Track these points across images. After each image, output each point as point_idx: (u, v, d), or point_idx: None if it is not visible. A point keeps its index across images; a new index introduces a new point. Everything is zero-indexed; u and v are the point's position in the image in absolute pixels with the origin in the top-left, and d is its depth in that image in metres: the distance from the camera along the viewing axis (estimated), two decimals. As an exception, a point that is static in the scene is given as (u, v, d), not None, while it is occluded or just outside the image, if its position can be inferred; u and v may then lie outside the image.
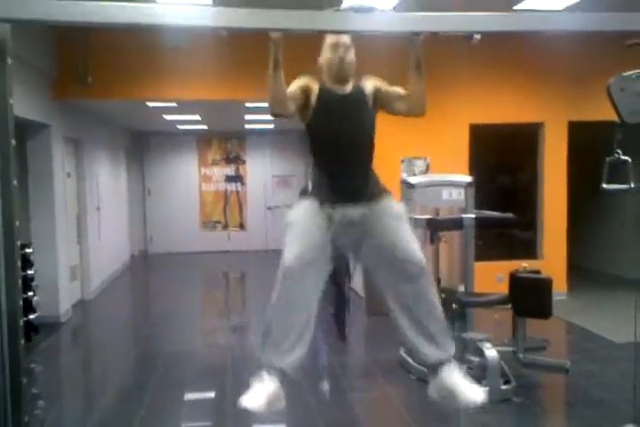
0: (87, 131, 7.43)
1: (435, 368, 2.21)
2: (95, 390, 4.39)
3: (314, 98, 2.33)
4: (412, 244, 2.29)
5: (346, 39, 2.37)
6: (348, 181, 2.33)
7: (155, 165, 11.07)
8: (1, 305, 2.11)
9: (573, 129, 6.60)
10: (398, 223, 2.32)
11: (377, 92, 2.40)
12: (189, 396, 3.95)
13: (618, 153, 2.46)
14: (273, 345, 2.23)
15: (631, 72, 2.40)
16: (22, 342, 2.19)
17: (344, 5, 2.12)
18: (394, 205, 2.38)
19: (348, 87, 2.38)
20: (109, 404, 3.93)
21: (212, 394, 4.02)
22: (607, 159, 2.47)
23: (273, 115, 2.29)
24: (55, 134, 6.01)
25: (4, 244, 2.12)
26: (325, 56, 2.39)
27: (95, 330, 6.22)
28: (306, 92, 2.33)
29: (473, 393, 2.16)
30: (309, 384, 4.14)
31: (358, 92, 2.38)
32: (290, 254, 2.21)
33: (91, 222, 7.34)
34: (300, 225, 2.30)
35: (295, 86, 2.30)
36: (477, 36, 2.24)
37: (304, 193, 2.42)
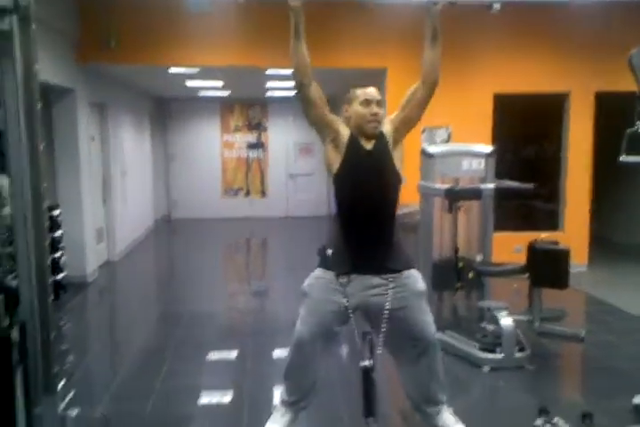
0: (111, 96, 7.48)
1: (429, 416, 2.50)
2: (120, 347, 4.56)
3: (343, 144, 2.35)
4: (429, 322, 2.41)
5: (377, 94, 2.39)
6: (368, 252, 2.35)
7: (177, 131, 11.14)
8: (31, 264, 2.21)
9: (601, 99, 6.46)
10: (418, 300, 2.40)
11: (395, 123, 2.42)
12: (209, 354, 4.07)
13: (637, 125, 2.43)
14: (289, 391, 2.51)
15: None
16: (51, 299, 2.30)
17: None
18: (416, 281, 2.42)
19: (374, 140, 2.38)
20: (133, 360, 4.09)
21: (231, 353, 4.14)
22: (627, 131, 2.45)
23: (295, 83, 2.30)
24: (80, 99, 6.07)
25: (33, 206, 2.20)
26: (356, 110, 2.37)
27: (120, 290, 6.42)
28: (335, 122, 2.37)
29: None
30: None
31: (382, 144, 2.38)
32: (302, 328, 2.39)
33: (116, 186, 7.46)
34: (313, 295, 2.41)
35: (325, 106, 2.34)
36: (497, 6, 2.22)
37: (322, 258, 2.44)
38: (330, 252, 2.40)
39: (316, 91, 2.30)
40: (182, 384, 3.54)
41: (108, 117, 7.27)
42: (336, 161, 2.36)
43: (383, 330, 2.36)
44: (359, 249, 2.35)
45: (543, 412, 2.98)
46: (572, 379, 3.97)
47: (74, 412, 2.31)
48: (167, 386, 3.49)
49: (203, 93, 10.01)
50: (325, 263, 2.41)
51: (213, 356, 4.07)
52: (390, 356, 2.48)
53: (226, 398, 3.39)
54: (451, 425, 2.48)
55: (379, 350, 2.39)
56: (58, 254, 5.38)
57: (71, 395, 2.37)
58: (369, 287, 2.35)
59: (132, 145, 8.68)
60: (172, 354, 4.02)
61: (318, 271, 2.43)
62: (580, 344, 4.05)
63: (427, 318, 2.40)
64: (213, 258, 8.13)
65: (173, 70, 6.90)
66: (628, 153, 2.55)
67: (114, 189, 7.38)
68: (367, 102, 2.35)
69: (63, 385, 2.33)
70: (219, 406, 3.31)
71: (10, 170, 2.10)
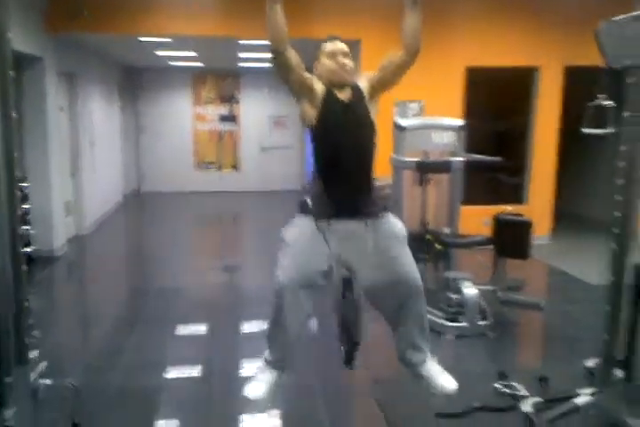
0: (81, 65, 7.32)
1: (415, 365, 2.55)
2: (89, 321, 4.56)
3: (319, 98, 2.38)
4: (411, 265, 2.43)
5: (343, 46, 2.41)
6: (347, 198, 2.38)
7: (148, 102, 10.95)
8: (3, 235, 2.22)
9: (571, 74, 6.56)
10: (398, 244, 2.43)
11: (372, 82, 2.44)
12: (178, 328, 4.11)
13: (599, 97, 2.51)
14: (271, 349, 2.54)
15: (621, 16, 2.42)
16: (24, 270, 2.32)
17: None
18: (395, 225, 2.46)
19: (349, 92, 2.42)
20: (101, 334, 4.11)
21: (200, 327, 4.17)
22: (588, 104, 2.53)
23: (271, 51, 2.29)
24: (49, 68, 5.93)
25: (6, 176, 2.20)
26: (324, 63, 2.41)
27: (89, 264, 6.39)
28: (310, 81, 2.37)
29: (447, 383, 2.52)
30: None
31: (358, 97, 2.41)
32: (283, 277, 2.36)
33: (85, 158, 7.36)
34: (293, 244, 2.40)
35: (302, 70, 2.33)
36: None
37: (302, 208, 2.46)
38: (309, 200, 2.43)
39: (292, 57, 2.30)
40: (151, 357, 3.58)
41: (78, 87, 7.13)
42: (312, 113, 2.39)
43: (364, 274, 2.41)
44: (337, 196, 2.39)
45: (502, 376, 3.13)
46: (531, 346, 4.15)
47: (45, 382, 2.35)
48: (136, 359, 3.53)
49: (174, 63, 9.83)
50: (305, 210, 2.44)
51: (182, 330, 4.10)
52: (374, 304, 2.51)
53: (195, 370, 3.44)
54: (437, 373, 2.54)
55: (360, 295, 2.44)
56: (25, 228, 5.31)
57: (43, 366, 2.40)
58: (348, 232, 2.37)
59: (102, 116, 8.53)
60: (141, 328, 4.05)
61: (298, 218, 2.46)
62: (540, 313, 4.22)
63: (409, 261, 2.43)
64: (184, 233, 8.12)
65: (144, 39, 6.77)
66: (589, 125, 2.65)
67: (82, 162, 7.28)
68: (333, 54, 2.40)
69: (35, 356, 2.36)
70: (188, 379, 3.34)
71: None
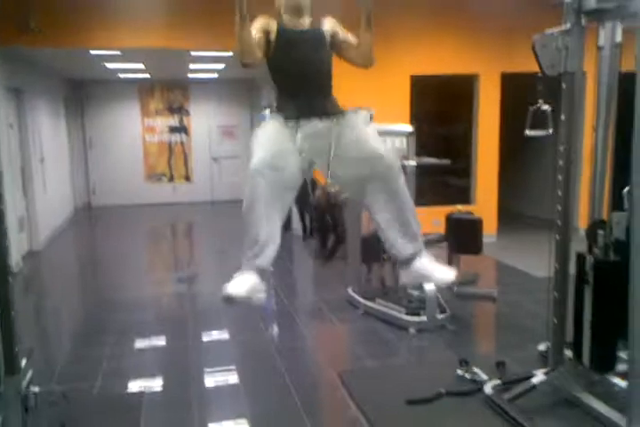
0: (27, 80, 7.23)
1: (408, 259, 2.47)
2: (50, 335, 4.54)
3: (273, 35, 2.43)
4: (379, 145, 2.44)
5: None
6: (309, 100, 2.44)
7: (96, 115, 10.83)
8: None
9: (507, 80, 6.97)
10: (363, 130, 2.46)
11: (334, 35, 2.53)
12: (139, 340, 4.14)
13: (539, 102, 2.79)
14: (247, 245, 2.41)
15: (552, 30, 2.70)
16: (10, 281, 2.38)
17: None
18: (358, 116, 2.51)
19: (306, 24, 2.49)
20: (67, 346, 4.12)
21: (161, 338, 4.20)
22: (530, 108, 2.80)
23: (243, 65, 2.39)
24: (-4, 83, 5.88)
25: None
26: None
27: (46, 279, 6.30)
28: (265, 30, 2.42)
29: (445, 273, 2.47)
30: (265, 321, 4.49)
31: (316, 30, 2.50)
32: (254, 159, 2.34)
33: (35, 175, 7.26)
34: (265, 135, 2.43)
35: (255, 30, 2.37)
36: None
37: (270, 111, 2.50)
38: (275, 105, 2.50)
39: (261, 52, 2.39)
40: (123, 366, 3.63)
41: (25, 103, 7.04)
42: (270, 49, 2.43)
43: (339, 167, 2.41)
44: (301, 97, 2.44)
45: (463, 363, 3.36)
46: (487, 334, 4.42)
47: (35, 389, 2.40)
48: (108, 368, 3.58)
49: (122, 75, 9.79)
50: (274, 112, 2.49)
51: (142, 341, 4.12)
52: (358, 200, 2.52)
53: (159, 378, 3.48)
54: (434, 266, 2.48)
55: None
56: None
57: (31, 374, 2.45)
58: (316, 132, 2.43)
59: (50, 131, 8.42)
60: (104, 339, 4.08)
61: (268, 120, 2.51)
62: (493, 304, 4.50)
63: (377, 144, 2.45)
64: (138, 245, 8.10)
65: (94, 52, 6.76)
66: (532, 128, 2.91)
67: (34, 177, 7.18)
68: None
69: (24, 365, 2.41)
70: (163, 388, 3.39)
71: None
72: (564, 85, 2.75)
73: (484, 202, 7.09)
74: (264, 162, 2.33)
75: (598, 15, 2.65)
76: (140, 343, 4.06)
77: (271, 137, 2.42)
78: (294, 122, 2.42)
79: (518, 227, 7.83)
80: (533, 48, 2.67)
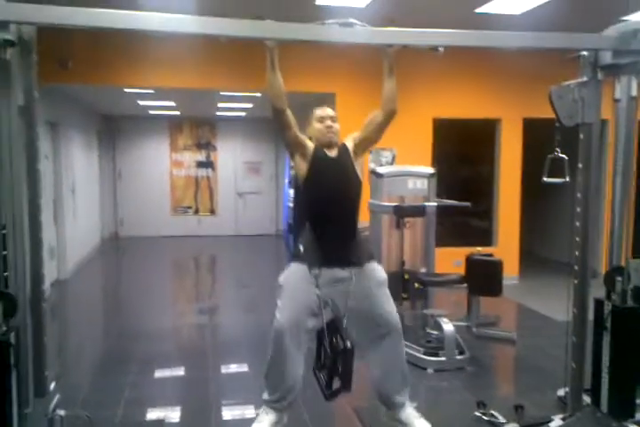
0: (63, 114, 7.56)
1: (394, 407, 2.81)
2: (74, 363, 4.62)
3: (309, 155, 2.70)
4: (391, 308, 2.73)
5: (331, 112, 2.77)
6: (335, 247, 2.67)
7: (126, 149, 11.19)
8: (25, 274, 2.42)
9: (530, 126, 7.09)
10: (380, 289, 2.73)
11: (356, 141, 2.80)
12: (163, 370, 4.22)
13: (557, 151, 2.89)
14: (270, 389, 2.72)
15: (568, 82, 2.82)
16: (44, 305, 2.51)
17: (329, 20, 2.46)
18: (377, 272, 2.76)
19: (336, 150, 2.76)
20: (89, 375, 4.19)
21: (181, 369, 4.27)
22: (548, 156, 2.90)
23: (272, 109, 2.61)
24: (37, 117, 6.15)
25: (30, 218, 2.42)
26: (314, 126, 2.77)
27: (73, 308, 6.44)
28: (304, 140, 2.71)
29: (423, 426, 2.80)
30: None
31: (345, 154, 2.75)
32: (281, 317, 2.62)
33: (66, 204, 7.51)
34: (289, 288, 2.68)
35: (297, 128, 2.66)
36: (441, 49, 2.62)
37: (295, 255, 2.76)
38: (302, 248, 2.71)
39: (290, 115, 2.64)
40: (144, 395, 3.69)
41: (60, 136, 7.35)
42: (304, 168, 2.70)
43: (347, 319, 2.64)
44: (327, 245, 2.67)
45: (481, 405, 3.36)
46: (506, 377, 4.40)
47: (61, 412, 2.50)
48: (131, 396, 3.65)
49: (152, 112, 10.16)
50: (298, 258, 2.71)
51: (166, 370, 4.20)
52: (359, 346, 2.71)
53: (179, 410, 3.54)
54: (414, 418, 2.80)
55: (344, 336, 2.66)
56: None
57: (58, 398, 2.54)
58: (336, 280, 2.65)
59: (82, 163, 8.73)
60: (129, 368, 4.16)
61: (293, 265, 2.72)
62: (513, 347, 4.49)
63: (389, 306, 2.72)
64: (162, 276, 8.23)
65: (128, 90, 7.08)
66: (549, 175, 3.00)
67: (65, 207, 7.42)
68: (322, 119, 2.76)
69: (53, 388, 2.51)
70: (182, 418, 3.44)
71: (4, 188, 2.31)
72: (581, 135, 2.85)
73: (506, 244, 7.12)
74: (288, 321, 2.60)
75: (614, 70, 2.76)
76: (161, 373, 4.14)
77: (294, 290, 2.66)
78: (317, 269, 2.64)
79: (541, 270, 7.81)
80: (550, 99, 2.79)
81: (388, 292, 2.77)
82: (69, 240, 7.52)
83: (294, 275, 2.70)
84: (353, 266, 2.68)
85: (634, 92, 2.78)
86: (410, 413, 2.82)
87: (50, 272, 6.76)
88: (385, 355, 2.74)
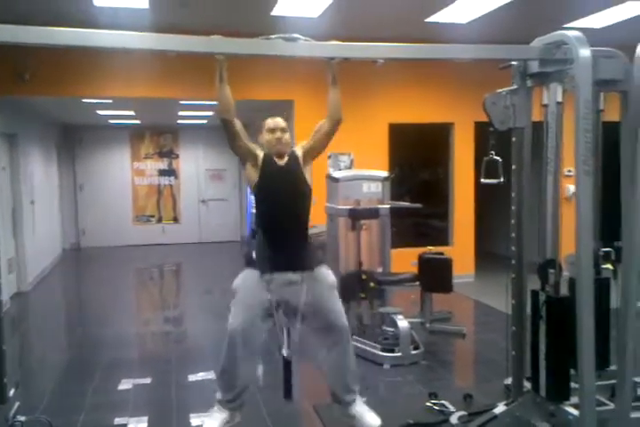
0: (21, 125, 7.53)
1: (346, 404, 2.96)
2: (35, 372, 4.64)
3: (259, 163, 2.83)
4: (341, 310, 2.89)
5: (282, 123, 2.90)
6: (286, 252, 2.80)
7: (87, 158, 11.12)
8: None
9: (481, 129, 7.35)
10: (330, 292, 2.89)
11: (305, 148, 2.93)
12: (126, 376, 4.26)
13: (491, 153, 3.09)
14: (223, 389, 2.86)
15: (500, 90, 3.03)
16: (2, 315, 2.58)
17: (273, 35, 2.61)
18: (327, 276, 2.92)
19: (285, 158, 2.88)
20: (50, 383, 4.19)
21: (145, 376, 4.31)
22: (484, 159, 3.10)
23: (221, 120, 2.75)
24: (-8, 130, 6.15)
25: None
26: (265, 137, 2.90)
27: (33, 320, 6.41)
28: (254, 149, 2.84)
29: (373, 419, 2.96)
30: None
31: (294, 162, 2.88)
32: (234, 321, 2.77)
33: (26, 216, 7.46)
34: (242, 292, 2.82)
35: (246, 138, 2.80)
36: (381, 61, 2.79)
37: (248, 261, 2.90)
38: (254, 254, 2.84)
39: (238, 126, 2.78)
40: (106, 402, 3.75)
41: (19, 147, 7.31)
42: (255, 176, 2.83)
43: (299, 321, 2.79)
44: (278, 250, 2.80)
45: (432, 396, 3.54)
46: (458, 369, 4.58)
47: (22, 418, 2.57)
48: (93, 403, 3.71)
49: (112, 121, 10.15)
50: (251, 264, 2.84)
51: (126, 379, 4.22)
52: (312, 345, 2.89)
53: (143, 416, 3.59)
54: (364, 413, 2.97)
55: (295, 340, 2.81)
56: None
57: (18, 405, 2.61)
58: (287, 283, 2.79)
59: (41, 174, 8.68)
60: (92, 376, 4.21)
61: (245, 271, 2.86)
62: (465, 340, 4.69)
63: (338, 308, 2.88)
64: (125, 285, 8.22)
65: (87, 100, 7.10)
66: (486, 176, 3.21)
67: (24, 219, 7.38)
68: (272, 130, 2.88)
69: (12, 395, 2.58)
70: (147, 423, 3.49)
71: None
72: (513, 139, 3.07)
73: (462, 243, 7.37)
74: (240, 325, 2.75)
75: (541, 78, 2.98)
76: (124, 380, 4.18)
77: (246, 295, 2.80)
78: (269, 274, 2.79)
79: (496, 268, 8.02)
80: (484, 106, 2.99)
81: (337, 294, 2.93)
82: (29, 252, 7.47)
83: (246, 281, 2.83)
84: (304, 270, 2.81)
85: (559, 98, 3.00)
86: (360, 408, 2.97)
87: (9, 285, 6.72)
88: (334, 355, 2.90)
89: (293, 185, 2.85)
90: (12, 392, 2.57)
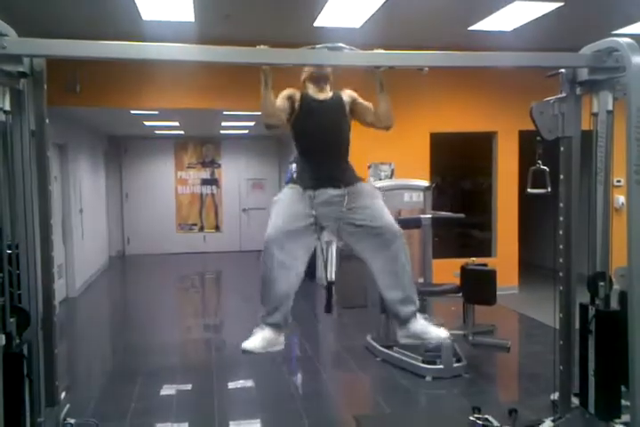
0: (71, 136, 7.78)
1: (405, 320, 2.73)
2: (82, 377, 4.75)
3: (297, 104, 2.80)
4: (387, 215, 2.75)
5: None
6: (327, 171, 2.76)
7: (132, 168, 11.40)
8: (37, 289, 2.57)
9: (526, 138, 7.23)
10: (373, 200, 2.78)
11: (353, 103, 2.88)
12: (169, 382, 4.33)
13: (538, 163, 3.03)
14: (264, 303, 2.72)
15: (548, 98, 2.97)
16: (55, 319, 2.66)
17: (319, 45, 2.63)
18: (369, 188, 2.87)
19: (328, 95, 2.84)
20: (96, 388, 4.30)
21: (187, 382, 4.37)
22: (530, 168, 3.04)
23: (267, 126, 2.74)
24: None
25: (41, 238, 2.58)
26: (306, 69, 2.87)
27: (81, 324, 6.59)
28: (291, 99, 2.79)
29: (439, 332, 2.78)
30: (287, 367, 4.65)
31: (336, 100, 2.84)
32: (271, 227, 2.67)
33: (75, 224, 7.69)
34: (283, 202, 2.75)
35: (280, 98, 2.76)
36: (426, 69, 2.78)
37: (290, 178, 2.88)
38: (295, 175, 2.81)
39: (285, 115, 2.74)
40: (150, 407, 3.82)
41: (69, 157, 7.55)
42: (296, 111, 2.77)
43: (349, 231, 2.69)
44: (318, 168, 2.76)
45: (476, 410, 3.46)
46: (502, 383, 4.49)
47: (72, 421, 2.63)
48: (138, 408, 3.77)
49: (158, 132, 10.39)
50: (293, 182, 2.80)
51: (169, 385, 4.29)
52: (364, 260, 2.73)
53: (184, 423, 3.65)
54: (427, 327, 2.75)
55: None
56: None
57: (68, 407, 2.68)
58: (331, 198, 2.71)
59: (89, 183, 8.93)
60: (137, 381, 4.28)
61: (287, 187, 2.82)
62: (509, 354, 4.57)
63: (388, 216, 2.73)
64: (168, 292, 8.36)
65: (134, 112, 7.29)
66: (533, 187, 3.14)
67: (73, 227, 7.60)
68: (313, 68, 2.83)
69: (63, 397, 2.65)
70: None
71: (17, 208, 2.47)
72: (562, 148, 3.00)
73: (505, 254, 7.23)
74: (278, 230, 2.63)
75: (591, 86, 2.91)
76: (168, 386, 4.26)
77: (287, 205, 2.72)
78: (311, 191, 2.73)
79: (540, 280, 7.87)
80: (531, 114, 2.94)
81: (383, 204, 2.80)
82: (77, 259, 7.69)
83: (288, 194, 2.77)
84: (345, 185, 2.75)
85: (610, 107, 2.93)
86: (422, 323, 2.75)
87: (58, 290, 6.89)
88: (388, 262, 2.70)
89: (334, 115, 2.80)
90: (62, 395, 2.63)
